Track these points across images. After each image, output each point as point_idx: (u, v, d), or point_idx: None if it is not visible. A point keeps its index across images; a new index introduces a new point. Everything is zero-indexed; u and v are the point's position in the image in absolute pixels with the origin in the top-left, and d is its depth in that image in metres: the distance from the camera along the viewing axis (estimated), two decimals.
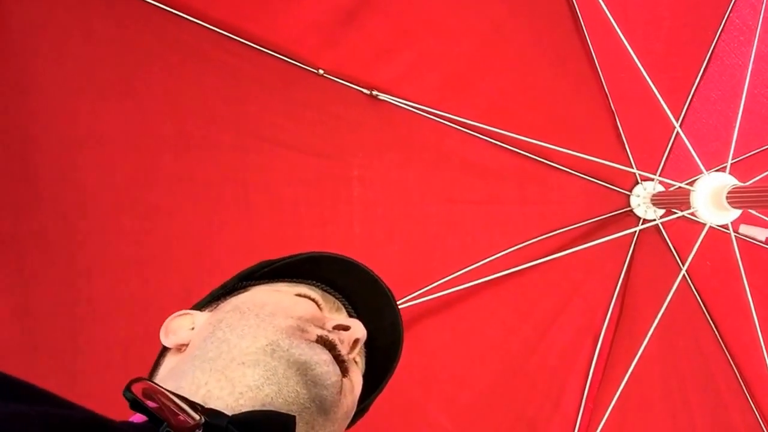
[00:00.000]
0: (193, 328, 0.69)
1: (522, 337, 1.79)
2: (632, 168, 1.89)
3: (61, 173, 1.24)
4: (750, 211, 1.84)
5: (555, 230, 1.81)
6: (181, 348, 0.68)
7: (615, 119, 1.88)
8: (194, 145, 1.37)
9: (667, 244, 1.95)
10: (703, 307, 1.97)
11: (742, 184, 1.60)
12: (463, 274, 1.67)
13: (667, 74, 1.87)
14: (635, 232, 1.90)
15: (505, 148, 1.76)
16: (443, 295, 1.60)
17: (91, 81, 1.27)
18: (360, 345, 0.71)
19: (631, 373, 1.74)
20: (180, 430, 0.46)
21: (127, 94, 1.30)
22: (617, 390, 1.75)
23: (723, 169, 1.75)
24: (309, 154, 1.51)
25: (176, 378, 0.60)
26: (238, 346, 0.60)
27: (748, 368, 1.96)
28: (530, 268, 1.68)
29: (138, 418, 0.50)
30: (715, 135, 1.97)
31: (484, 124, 1.68)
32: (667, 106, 1.69)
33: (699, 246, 1.71)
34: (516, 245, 1.75)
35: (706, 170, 1.68)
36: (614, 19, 1.68)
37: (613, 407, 1.76)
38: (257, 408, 0.55)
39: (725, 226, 1.77)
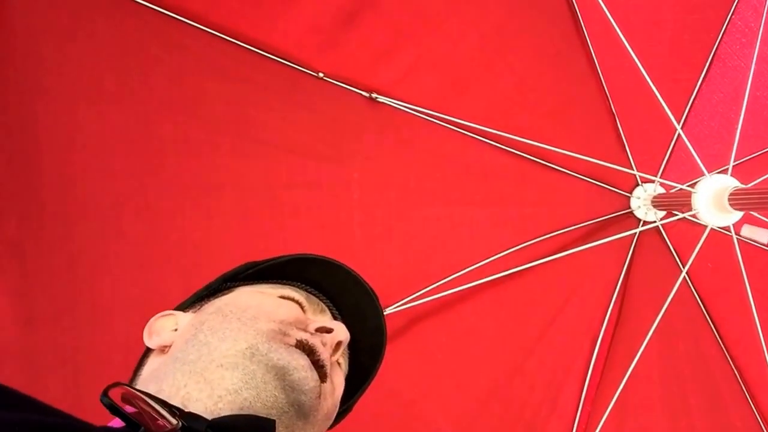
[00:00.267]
0: (176, 329, 0.70)
1: (520, 339, 1.79)
2: (633, 170, 1.88)
3: (62, 176, 1.25)
4: (752, 213, 1.83)
5: (554, 232, 1.81)
6: (164, 349, 0.68)
7: (615, 121, 1.88)
8: (194, 149, 1.38)
9: (668, 246, 1.95)
10: (704, 309, 1.97)
11: (744, 186, 1.59)
12: (461, 275, 1.67)
13: (668, 76, 1.87)
14: (635, 233, 1.90)
15: (505, 150, 1.76)
16: (442, 296, 1.61)
17: (92, 84, 1.28)
18: (343, 347, 0.71)
19: (630, 374, 1.74)
20: None
21: (127, 98, 1.31)
22: (615, 392, 1.75)
23: (725, 171, 1.75)
24: (308, 157, 1.52)
25: (157, 380, 0.60)
26: (219, 349, 0.60)
27: (749, 371, 1.96)
28: (529, 269, 1.68)
29: (117, 422, 0.51)
30: (717, 137, 1.96)
31: (483, 126, 1.68)
32: (669, 107, 1.69)
33: (700, 248, 1.71)
34: (515, 247, 1.75)
35: (708, 172, 1.68)
36: (615, 21, 1.68)
37: (612, 409, 1.76)
38: (236, 412, 0.55)
39: (726, 228, 1.76)
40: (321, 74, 1.51)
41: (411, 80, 1.63)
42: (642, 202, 1.91)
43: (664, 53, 1.90)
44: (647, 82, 1.67)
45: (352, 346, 0.79)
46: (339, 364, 0.74)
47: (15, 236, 1.18)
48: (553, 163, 1.83)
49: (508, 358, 1.78)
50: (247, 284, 0.78)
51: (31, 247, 1.20)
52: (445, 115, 1.66)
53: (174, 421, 0.48)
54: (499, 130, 1.69)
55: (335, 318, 0.81)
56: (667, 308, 1.71)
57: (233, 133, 1.44)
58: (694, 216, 1.68)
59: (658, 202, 1.87)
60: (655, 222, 1.89)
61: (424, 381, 1.68)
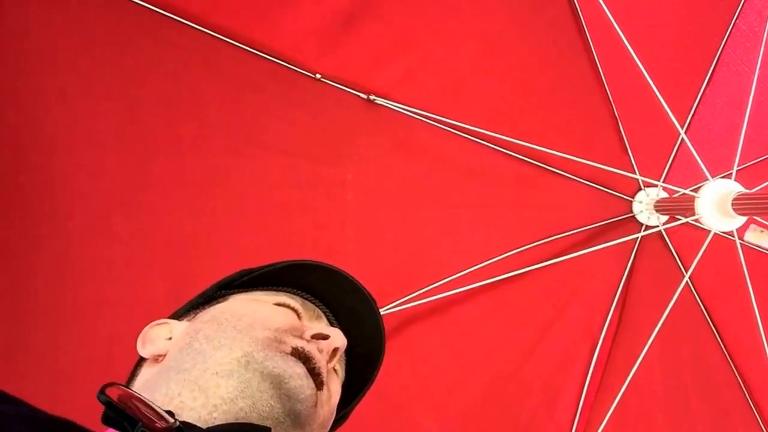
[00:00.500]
0: (170, 338, 0.68)
1: (517, 343, 1.77)
2: (635, 174, 1.87)
3: (52, 175, 1.25)
4: (756, 218, 1.81)
5: (554, 235, 1.80)
6: (158, 359, 0.67)
7: (618, 124, 1.86)
8: (186, 148, 1.38)
9: (670, 250, 1.93)
10: (707, 314, 1.95)
11: (748, 191, 1.58)
12: (457, 278, 1.66)
13: (672, 80, 1.86)
14: (637, 238, 1.88)
15: (504, 152, 1.75)
16: (437, 299, 1.60)
17: (85, 83, 1.28)
18: (339, 354, 0.70)
19: (631, 381, 1.72)
20: None
21: (121, 97, 1.32)
22: (615, 398, 1.73)
23: (728, 176, 1.73)
24: (302, 158, 1.52)
25: (150, 390, 0.59)
26: (214, 357, 0.59)
27: (752, 377, 1.93)
28: (528, 273, 1.67)
29: None
30: (721, 141, 1.94)
31: (483, 128, 1.67)
32: (672, 112, 1.67)
33: (703, 253, 1.69)
34: (513, 250, 1.74)
35: (712, 177, 1.66)
36: (618, 25, 1.67)
37: (612, 416, 1.74)
38: (231, 422, 0.54)
39: (730, 233, 1.75)
40: (319, 76, 1.51)
41: (410, 83, 1.62)
42: (644, 206, 1.90)
43: (667, 57, 1.88)
44: (650, 85, 1.65)
45: (349, 351, 0.78)
46: (336, 371, 0.73)
47: (1, 234, 1.18)
48: (554, 167, 1.82)
49: (504, 362, 1.76)
50: (242, 292, 0.77)
51: (17, 246, 1.20)
52: (445, 117, 1.65)
53: (171, 420, 0.47)
54: (499, 134, 1.68)
55: (332, 324, 0.80)
56: (669, 313, 1.69)
57: (226, 133, 1.44)
58: (697, 221, 1.66)
59: (660, 207, 1.86)
60: (657, 226, 1.87)
61: (416, 384, 1.67)
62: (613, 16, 1.66)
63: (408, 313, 1.60)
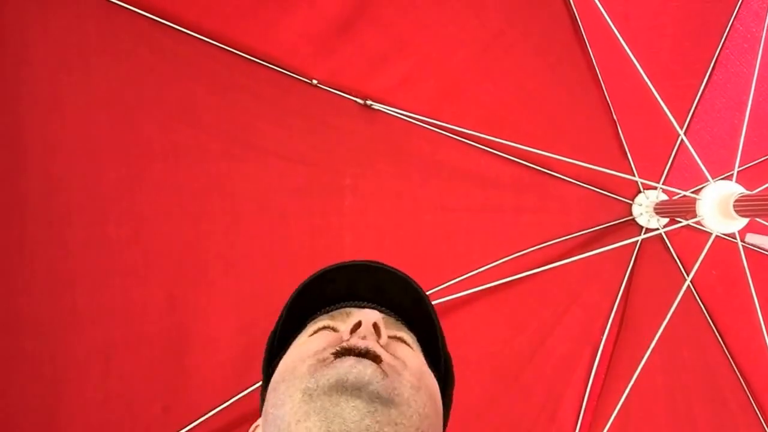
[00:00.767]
0: None
1: (517, 348, 1.76)
2: (634, 176, 1.86)
3: (48, 181, 1.25)
4: (757, 219, 1.80)
5: (553, 239, 1.79)
6: None
7: (617, 127, 1.86)
8: (182, 154, 1.38)
9: (671, 253, 1.92)
10: (709, 317, 1.93)
11: (749, 193, 1.57)
12: (456, 282, 1.65)
13: (670, 82, 1.85)
14: (637, 241, 1.87)
15: (502, 156, 1.75)
16: (435, 304, 1.58)
17: (81, 89, 1.28)
18: (382, 327, 0.70)
19: (633, 385, 1.71)
20: None
21: (116, 103, 1.32)
22: (618, 402, 1.72)
23: (729, 177, 1.73)
24: (299, 163, 1.51)
25: None
26: (285, 413, 0.61)
27: (755, 381, 1.92)
28: (527, 277, 1.66)
29: None
30: (721, 143, 1.94)
31: (481, 132, 1.67)
32: (671, 114, 1.67)
33: (704, 255, 1.68)
34: (512, 254, 1.73)
35: (712, 178, 1.65)
36: (616, 27, 1.67)
37: (614, 420, 1.73)
38: None
39: (731, 235, 1.74)
40: (315, 81, 1.51)
41: (407, 87, 1.62)
42: (644, 209, 1.89)
43: (665, 59, 1.88)
44: (649, 88, 1.65)
45: (402, 314, 0.80)
46: (398, 338, 0.74)
47: None
48: (552, 170, 1.81)
49: (504, 366, 1.75)
50: (283, 351, 0.78)
51: (12, 252, 1.20)
52: (442, 121, 1.65)
53: None
54: (496, 137, 1.68)
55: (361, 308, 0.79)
56: (670, 317, 1.68)
57: (223, 139, 1.44)
58: (698, 223, 1.65)
59: (660, 209, 1.85)
60: (658, 229, 1.86)
61: None
62: (610, 19, 1.66)
63: None
